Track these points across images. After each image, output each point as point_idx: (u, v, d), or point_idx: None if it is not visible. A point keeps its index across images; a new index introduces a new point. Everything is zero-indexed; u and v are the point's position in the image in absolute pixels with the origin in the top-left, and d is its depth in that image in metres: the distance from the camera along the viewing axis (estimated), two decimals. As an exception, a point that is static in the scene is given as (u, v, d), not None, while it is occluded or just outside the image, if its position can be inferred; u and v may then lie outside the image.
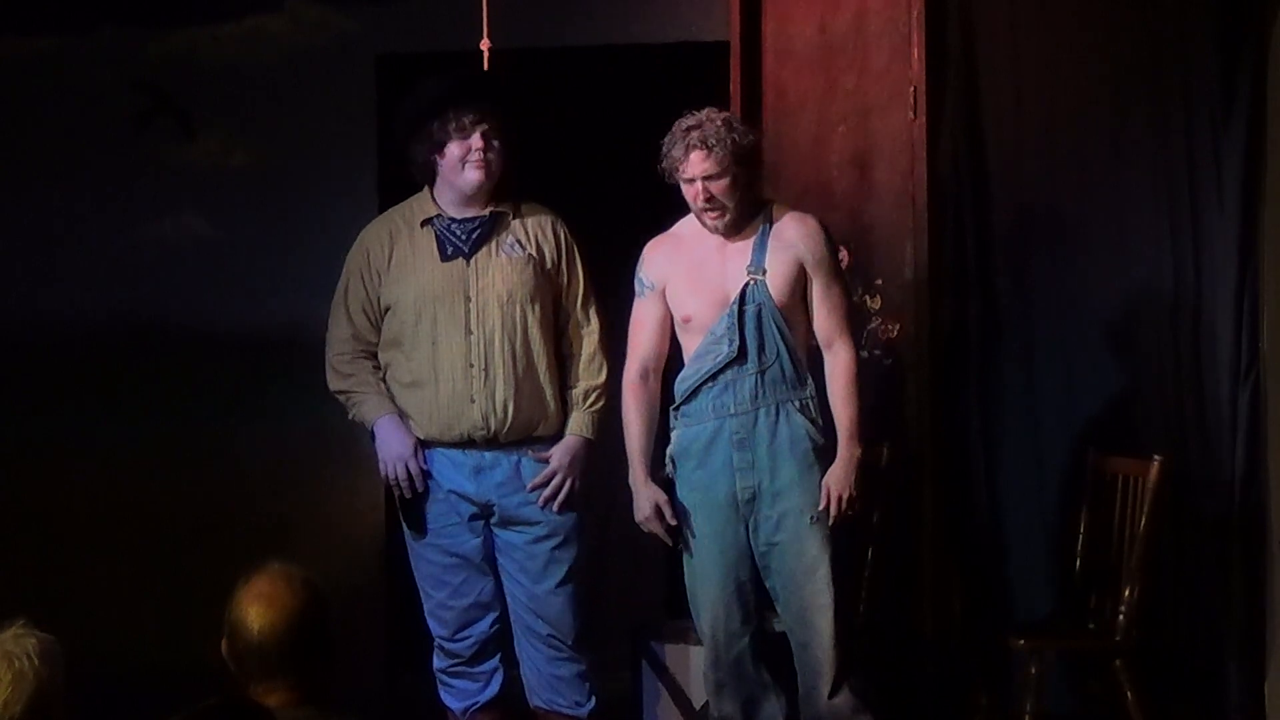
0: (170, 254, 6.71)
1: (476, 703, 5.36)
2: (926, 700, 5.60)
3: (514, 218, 5.31)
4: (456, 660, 5.35)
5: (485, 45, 5.60)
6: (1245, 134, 5.70)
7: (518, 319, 5.23)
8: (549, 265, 5.30)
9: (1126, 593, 5.30)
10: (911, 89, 5.72)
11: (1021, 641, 5.34)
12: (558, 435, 5.30)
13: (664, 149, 5.01)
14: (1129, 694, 5.26)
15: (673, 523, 5.08)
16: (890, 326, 5.71)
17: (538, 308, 5.25)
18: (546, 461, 5.26)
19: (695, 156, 4.96)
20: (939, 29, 5.75)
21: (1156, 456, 5.32)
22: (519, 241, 5.28)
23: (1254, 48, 5.70)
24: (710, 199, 4.98)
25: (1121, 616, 5.29)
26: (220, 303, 6.67)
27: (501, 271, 5.25)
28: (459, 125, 5.19)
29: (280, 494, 6.59)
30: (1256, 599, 5.70)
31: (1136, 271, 5.79)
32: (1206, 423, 5.74)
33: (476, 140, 5.19)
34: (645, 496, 5.11)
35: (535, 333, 5.25)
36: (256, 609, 3.23)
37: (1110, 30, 5.81)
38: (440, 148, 5.23)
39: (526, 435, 5.26)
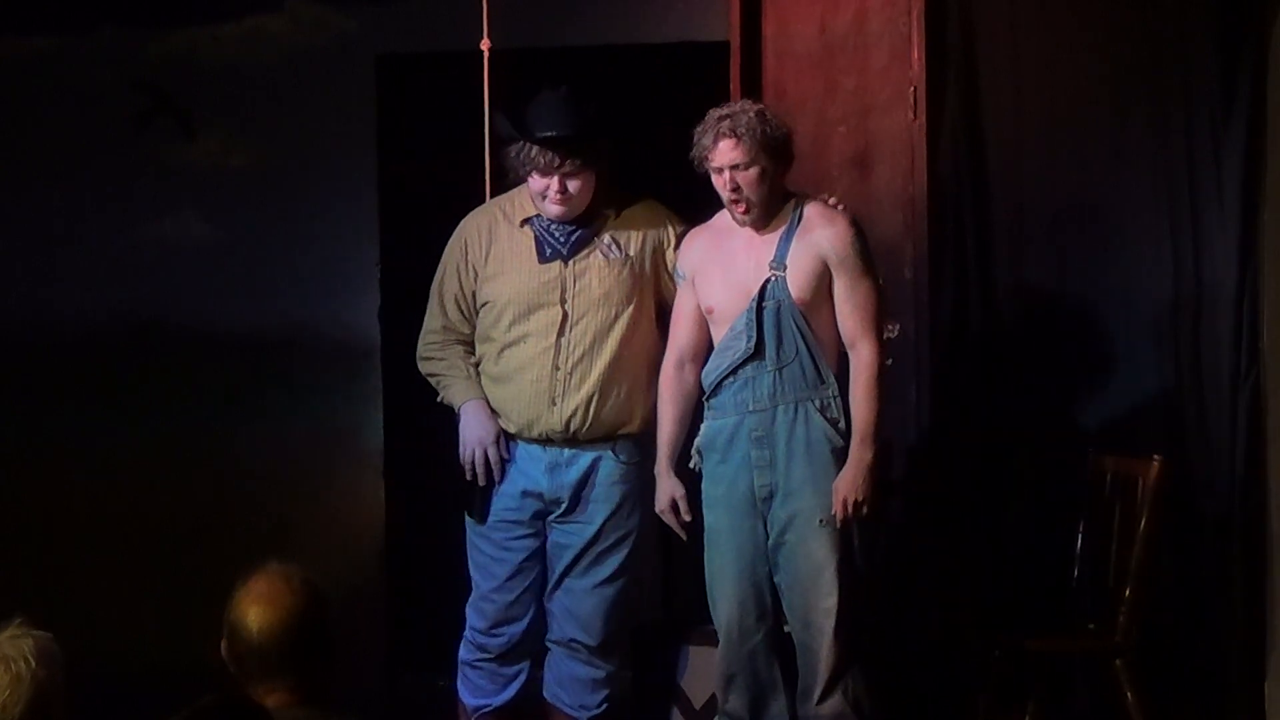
0: (170, 254, 6.71)
1: (489, 705, 5.37)
2: (926, 701, 5.59)
3: (615, 218, 5.28)
4: (484, 655, 5.35)
5: (485, 45, 5.60)
6: (1245, 134, 5.70)
7: (612, 322, 5.21)
8: (648, 266, 5.27)
9: (1126, 593, 5.28)
10: (911, 89, 5.71)
11: (1021, 642, 5.33)
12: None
13: (695, 136, 5.00)
14: (1129, 694, 5.26)
15: (687, 518, 5.07)
16: (890, 326, 5.70)
17: (633, 309, 5.23)
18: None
19: (724, 145, 4.95)
20: (939, 29, 5.74)
21: (1156, 456, 5.31)
22: (616, 242, 5.26)
23: (1254, 48, 5.70)
24: (736, 189, 4.96)
25: (1121, 616, 5.28)
26: (220, 303, 6.67)
27: (599, 274, 5.23)
28: (540, 163, 5.15)
29: (280, 494, 6.59)
30: (1256, 599, 5.69)
31: (1136, 272, 5.79)
32: (1206, 423, 5.73)
33: (555, 183, 5.15)
34: (664, 487, 5.12)
35: (630, 335, 5.23)
36: (256, 609, 3.23)
37: (1110, 30, 5.81)
38: (526, 172, 5.21)
39: (609, 435, 5.25)
